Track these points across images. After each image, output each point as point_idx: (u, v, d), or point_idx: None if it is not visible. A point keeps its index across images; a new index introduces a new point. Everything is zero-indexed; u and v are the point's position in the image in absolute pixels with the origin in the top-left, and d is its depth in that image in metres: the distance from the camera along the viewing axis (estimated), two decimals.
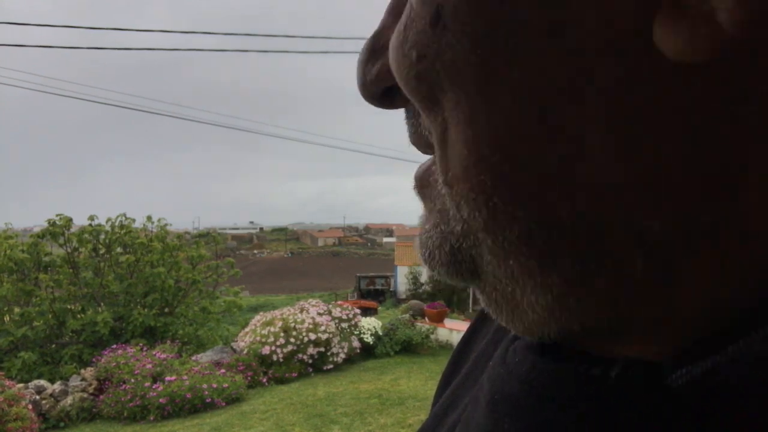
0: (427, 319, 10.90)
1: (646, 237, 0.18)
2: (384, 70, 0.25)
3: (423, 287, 24.20)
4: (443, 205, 0.24)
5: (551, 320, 0.21)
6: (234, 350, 8.84)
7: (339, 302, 11.80)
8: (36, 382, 7.45)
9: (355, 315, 10.02)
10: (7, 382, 6.67)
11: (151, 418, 6.85)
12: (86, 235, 10.89)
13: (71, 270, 10.67)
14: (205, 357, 8.54)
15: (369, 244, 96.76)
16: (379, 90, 0.26)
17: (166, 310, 11.03)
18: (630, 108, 0.17)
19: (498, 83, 0.19)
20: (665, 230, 0.18)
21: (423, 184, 0.26)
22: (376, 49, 0.26)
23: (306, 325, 8.78)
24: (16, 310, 9.97)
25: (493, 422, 0.25)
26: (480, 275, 0.23)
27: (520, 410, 0.23)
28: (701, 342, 0.18)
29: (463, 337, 0.44)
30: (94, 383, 7.50)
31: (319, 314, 9.27)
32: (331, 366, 8.83)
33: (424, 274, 24.67)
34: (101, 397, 7.29)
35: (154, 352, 8.26)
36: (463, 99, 0.20)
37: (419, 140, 0.26)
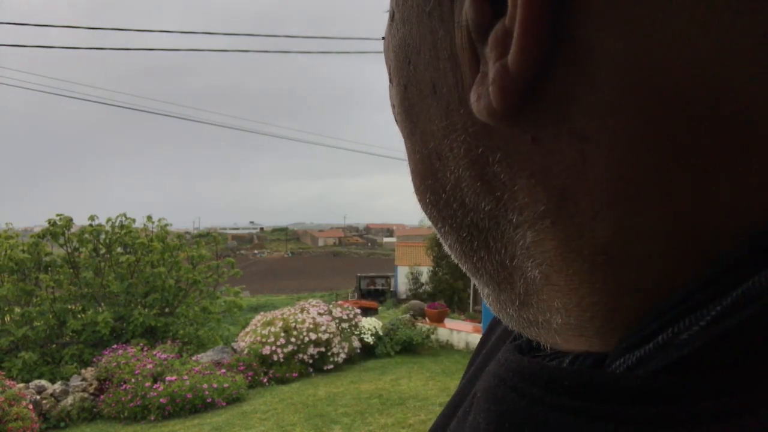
0: (427, 319, 10.90)
1: (528, 251, 0.23)
2: None
3: (423, 287, 24.20)
4: None
5: (499, 310, 0.27)
6: (234, 350, 8.84)
7: (339, 302, 11.79)
8: (36, 382, 7.45)
9: (355, 315, 10.01)
10: (8, 382, 6.67)
11: (152, 418, 6.85)
12: (87, 235, 10.89)
13: (72, 270, 10.66)
14: (206, 357, 8.54)
15: (369, 244, 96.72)
16: None
17: (167, 310, 11.02)
18: (475, 150, 0.23)
19: (415, 131, 0.26)
20: (535, 245, 0.22)
21: None
22: None
23: (306, 325, 8.78)
24: (17, 310, 9.96)
25: (473, 418, 0.27)
26: None
27: (491, 402, 0.25)
28: (638, 333, 0.20)
29: (480, 340, 0.46)
30: (95, 383, 7.50)
31: (320, 314, 9.27)
32: (331, 366, 8.82)
33: (425, 274, 24.67)
34: (102, 397, 7.29)
35: (154, 352, 8.26)
36: (405, 141, 0.28)
37: None
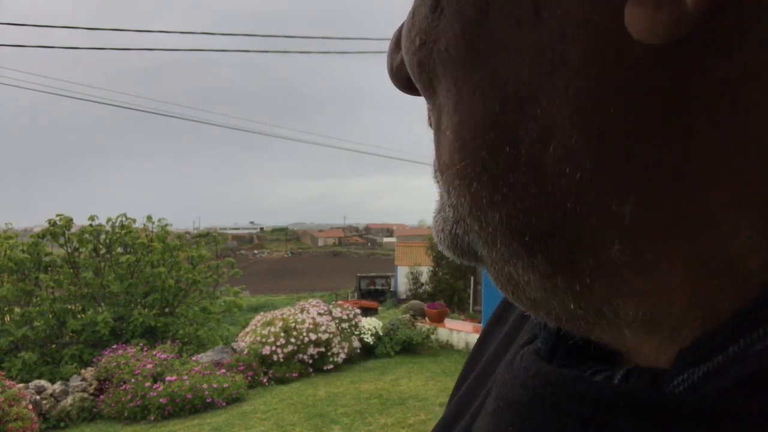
0: (427, 319, 10.89)
1: (619, 223, 0.18)
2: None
3: (423, 287, 24.19)
4: (441, 191, 0.25)
5: (549, 298, 0.22)
6: (234, 350, 8.84)
7: (339, 302, 11.80)
8: (36, 382, 7.45)
9: (355, 315, 10.01)
10: (8, 382, 6.67)
11: (152, 418, 6.85)
12: (86, 235, 10.89)
13: (71, 270, 10.66)
14: (206, 357, 8.54)
15: (369, 244, 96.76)
16: (404, 76, 0.26)
17: (167, 310, 11.02)
18: (601, 93, 0.17)
19: (481, 69, 0.20)
20: (638, 216, 0.18)
21: (435, 176, 0.28)
22: (399, 38, 0.26)
23: (306, 325, 8.78)
24: (17, 310, 9.96)
25: (496, 429, 0.25)
26: (480, 257, 0.24)
27: (523, 417, 0.23)
28: (702, 344, 0.18)
29: (477, 339, 0.45)
30: (95, 383, 7.50)
31: (320, 314, 9.26)
32: (331, 366, 8.82)
33: (425, 274, 24.68)
34: (101, 397, 7.29)
35: (154, 352, 8.26)
36: (452, 85, 0.22)
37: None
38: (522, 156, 0.20)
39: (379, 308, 18.35)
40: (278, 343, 8.50)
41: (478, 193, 0.21)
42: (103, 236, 11.16)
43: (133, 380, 7.27)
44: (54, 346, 9.80)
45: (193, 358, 8.47)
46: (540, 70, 0.19)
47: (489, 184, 0.21)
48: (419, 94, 0.27)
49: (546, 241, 0.20)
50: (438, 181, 0.26)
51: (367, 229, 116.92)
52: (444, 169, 0.23)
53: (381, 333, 9.96)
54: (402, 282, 27.01)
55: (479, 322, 11.23)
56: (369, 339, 9.73)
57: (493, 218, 0.21)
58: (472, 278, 17.73)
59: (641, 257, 0.18)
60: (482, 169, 0.21)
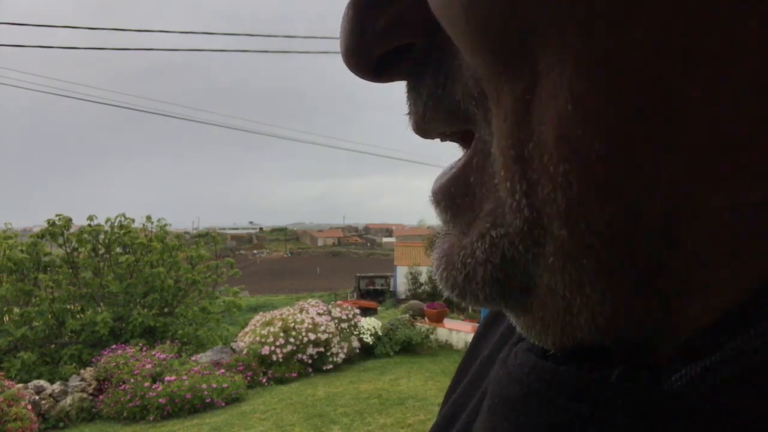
0: (426, 319, 10.90)
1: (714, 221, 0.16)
2: (397, 21, 0.20)
3: (422, 287, 24.21)
4: (496, 201, 0.19)
5: (610, 330, 0.19)
6: (233, 350, 8.84)
7: (339, 302, 11.80)
8: (35, 382, 7.45)
9: (354, 315, 10.02)
10: (7, 383, 6.67)
11: (151, 418, 6.85)
12: (85, 235, 10.89)
13: (71, 270, 10.66)
14: (205, 357, 8.54)
15: (368, 244, 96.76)
16: (380, 51, 0.21)
17: (166, 310, 11.02)
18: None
19: (635, 12, 0.15)
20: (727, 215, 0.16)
21: (457, 193, 0.22)
22: None
23: (306, 325, 8.78)
24: (16, 310, 9.96)
25: (492, 426, 0.24)
26: (530, 290, 0.20)
27: (518, 413, 0.22)
28: (700, 340, 0.17)
29: (471, 342, 0.44)
30: (94, 383, 7.50)
31: (319, 314, 9.27)
32: (330, 366, 8.83)
33: (424, 274, 24.69)
34: (101, 397, 7.29)
35: (153, 352, 8.26)
36: (579, 41, 0.16)
37: (436, 117, 0.22)
38: (676, 130, 0.15)
39: (379, 308, 18.36)
40: (277, 343, 8.50)
41: (596, 180, 0.16)
42: (102, 236, 11.16)
43: (132, 380, 7.27)
44: (53, 346, 9.80)
45: (193, 358, 8.47)
46: (716, 26, 0.14)
47: (607, 178, 0.16)
48: (381, 80, 0.22)
49: (636, 258, 0.17)
50: (457, 208, 0.21)
51: (367, 229, 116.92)
52: (538, 155, 0.17)
53: (380, 333, 9.96)
54: (401, 282, 27.01)
55: (478, 322, 11.22)
56: (368, 339, 9.73)
57: (593, 224, 0.17)
58: None
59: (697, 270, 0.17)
60: (613, 146, 0.16)
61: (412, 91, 0.23)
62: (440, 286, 0.23)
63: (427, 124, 0.23)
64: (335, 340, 9.04)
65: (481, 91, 0.19)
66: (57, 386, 7.38)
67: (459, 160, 0.22)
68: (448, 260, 0.22)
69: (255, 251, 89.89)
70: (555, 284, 0.19)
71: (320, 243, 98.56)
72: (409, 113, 0.23)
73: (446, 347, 10.21)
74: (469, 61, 0.19)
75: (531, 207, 0.18)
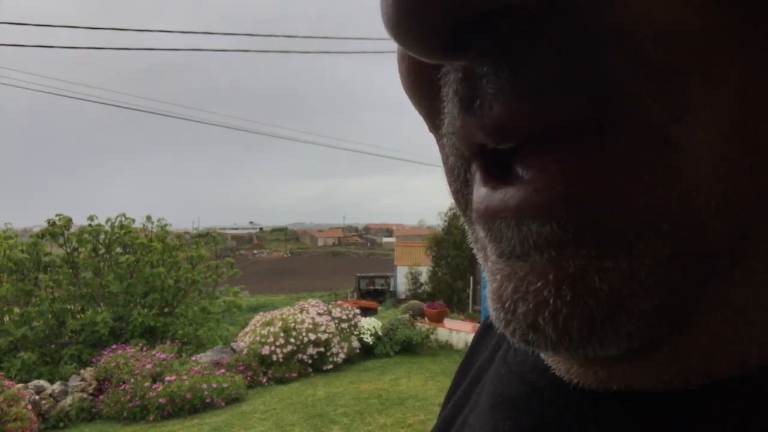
0: (426, 319, 10.90)
1: None
2: None
3: (423, 287, 24.22)
4: (677, 207, 0.15)
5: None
6: (234, 350, 8.84)
7: (339, 302, 11.80)
8: (35, 382, 7.45)
9: (354, 315, 10.02)
10: (7, 383, 6.67)
11: (151, 419, 6.84)
12: (86, 235, 10.89)
13: (71, 270, 10.66)
14: (205, 357, 8.54)
15: (369, 244, 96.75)
16: (475, 12, 0.14)
17: (166, 310, 11.03)
18: None
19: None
20: None
21: (597, 200, 0.15)
22: None
23: (306, 325, 8.78)
24: (16, 310, 9.96)
25: (494, 424, 0.24)
26: (690, 321, 0.16)
27: (520, 412, 0.22)
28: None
29: (471, 343, 0.45)
30: (94, 383, 7.50)
31: (319, 314, 9.27)
32: (330, 366, 8.82)
33: (424, 274, 24.70)
34: (101, 397, 7.29)
35: (153, 352, 8.26)
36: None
37: (559, 100, 0.15)
38: None
39: (379, 308, 18.36)
40: (277, 343, 8.50)
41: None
42: (102, 236, 11.16)
43: (132, 380, 7.26)
44: (53, 346, 9.80)
45: (193, 358, 8.47)
46: None
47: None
48: (457, 57, 0.16)
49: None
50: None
51: (367, 229, 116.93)
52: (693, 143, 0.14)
53: (380, 333, 9.96)
54: (401, 282, 27.03)
55: (479, 322, 11.22)
56: (368, 339, 9.73)
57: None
58: (471, 278, 17.72)
59: None
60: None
61: (505, 70, 0.15)
62: (547, 330, 0.16)
63: (464, 132, 0.17)
64: (335, 340, 9.04)
65: (665, 59, 0.14)
66: (57, 386, 7.38)
67: (564, 154, 0.16)
68: (578, 290, 0.15)
69: (255, 251, 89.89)
70: (745, 306, 0.15)
71: (320, 243, 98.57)
72: (479, 107, 0.16)
73: (446, 347, 10.20)
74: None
75: (742, 215, 0.14)
